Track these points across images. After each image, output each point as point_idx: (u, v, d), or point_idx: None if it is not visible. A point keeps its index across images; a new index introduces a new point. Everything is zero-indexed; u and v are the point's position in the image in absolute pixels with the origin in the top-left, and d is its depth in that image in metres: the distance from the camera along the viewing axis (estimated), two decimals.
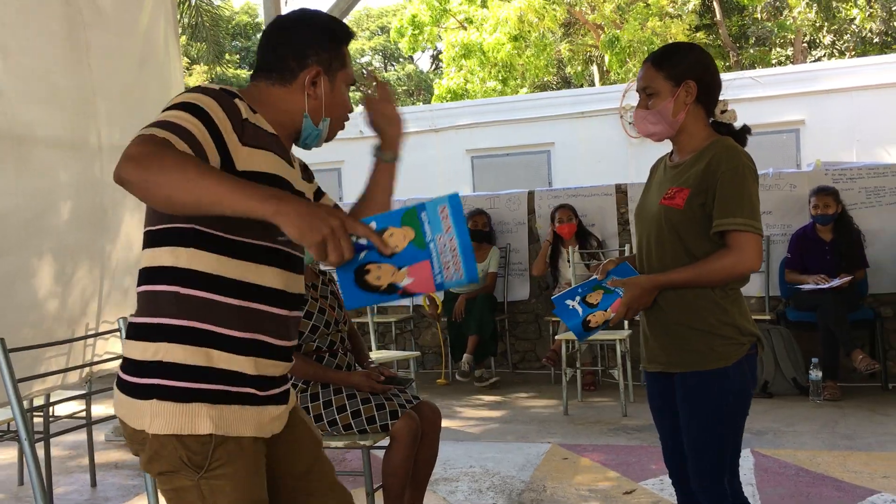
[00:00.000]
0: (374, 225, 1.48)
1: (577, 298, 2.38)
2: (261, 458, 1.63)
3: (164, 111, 1.53)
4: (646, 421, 4.96)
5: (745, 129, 2.25)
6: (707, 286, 2.14)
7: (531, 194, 6.97)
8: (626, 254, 5.88)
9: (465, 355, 6.20)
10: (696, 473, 2.20)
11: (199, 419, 1.52)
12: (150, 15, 4.57)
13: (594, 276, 2.40)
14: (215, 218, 1.47)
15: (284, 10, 4.60)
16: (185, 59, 25.62)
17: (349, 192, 11.70)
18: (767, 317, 5.93)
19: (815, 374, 5.32)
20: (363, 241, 1.47)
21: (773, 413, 5.04)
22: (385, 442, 3.00)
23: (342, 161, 11.71)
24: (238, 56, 30.13)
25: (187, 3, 10.92)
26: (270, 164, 1.61)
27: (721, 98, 2.25)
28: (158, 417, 1.51)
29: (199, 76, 26.26)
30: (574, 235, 6.27)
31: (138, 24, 4.45)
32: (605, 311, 2.33)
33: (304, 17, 1.75)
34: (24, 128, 3.41)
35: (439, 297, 6.57)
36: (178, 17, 11.01)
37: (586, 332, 2.38)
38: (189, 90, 1.58)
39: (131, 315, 1.64)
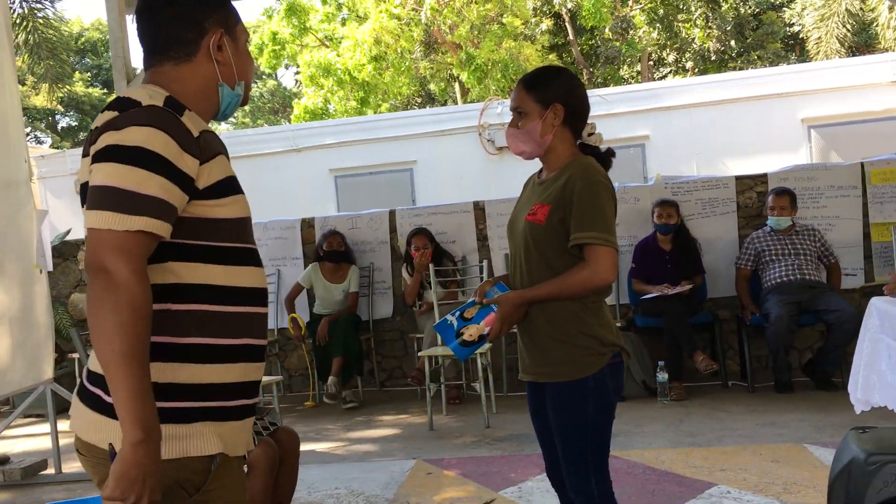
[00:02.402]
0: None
1: (457, 314, 2.44)
2: (244, 476, 1.60)
3: (121, 161, 1.42)
4: (507, 431, 5.12)
5: (609, 152, 2.38)
6: (568, 299, 2.22)
7: (392, 213, 7.06)
8: (485, 269, 6.06)
9: (330, 377, 6.19)
10: (566, 475, 2.30)
11: (206, 439, 1.48)
12: None
13: (472, 299, 2.46)
14: (193, 228, 1.47)
15: (131, 26, 4.48)
16: (31, 77, 24.32)
17: (422, 192, 11.20)
18: (619, 324, 6.25)
19: (662, 376, 5.65)
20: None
21: (625, 416, 5.32)
22: None
23: (414, 161, 11.32)
24: (89, 74, 28.88)
25: (24, 24, 10.41)
26: (223, 167, 1.57)
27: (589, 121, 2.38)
28: (162, 442, 1.44)
29: (45, 95, 24.98)
30: (431, 259, 6.35)
31: None
32: (479, 324, 2.39)
33: None
34: None
35: (303, 318, 6.54)
36: (22, 35, 10.49)
37: (464, 349, 2.43)
38: (142, 120, 1.46)
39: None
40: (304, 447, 5.06)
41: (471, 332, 2.40)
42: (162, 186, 1.43)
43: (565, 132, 2.31)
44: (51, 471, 4.97)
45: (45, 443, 5.63)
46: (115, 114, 1.50)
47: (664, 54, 20.28)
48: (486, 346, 5.52)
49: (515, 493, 3.88)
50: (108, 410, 1.47)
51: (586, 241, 2.17)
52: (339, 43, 17.53)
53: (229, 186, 1.57)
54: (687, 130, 10.85)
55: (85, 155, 1.55)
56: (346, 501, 4.00)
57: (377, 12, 16.39)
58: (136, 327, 1.38)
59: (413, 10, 16.39)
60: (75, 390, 1.59)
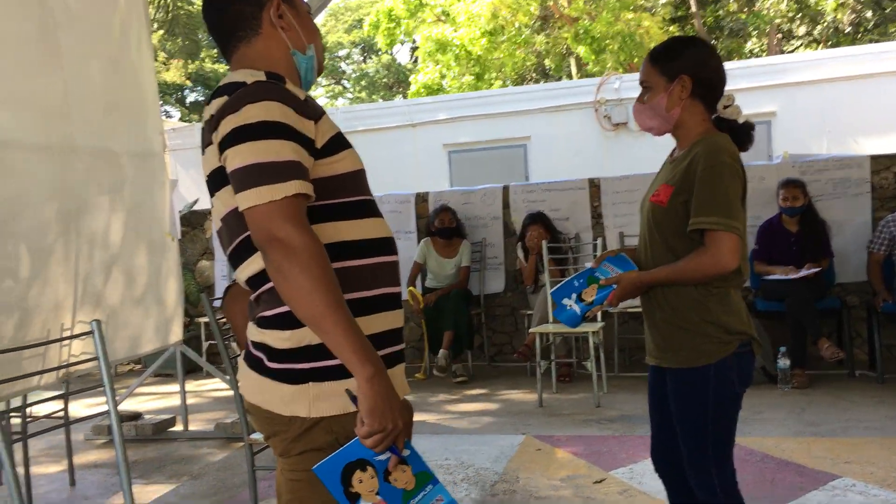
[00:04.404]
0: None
1: (574, 297, 2.38)
2: None
3: (251, 139, 1.47)
4: (618, 412, 5.06)
5: (748, 126, 2.22)
6: (687, 284, 2.14)
7: (506, 189, 7.05)
8: (598, 247, 5.97)
9: (440, 350, 6.27)
10: (687, 465, 2.23)
11: None
12: (122, 16, 4.59)
13: (588, 266, 2.42)
14: (316, 188, 1.50)
15: None
16: (162, 54, 25.52)
17: (536, 168, 11.24)
18: None
19: (784, 362, 5.44)
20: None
21: (743, 401, 5.14)
22: None
23: (528, 137, 11.35)
24: (215, 50, 30.01)
25: (160, 1, 10.88)
26: (330, 124, 1.60)
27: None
28: (321, 400, 1.49)
29: (175, 71, 26.17)
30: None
31: (111, 26, 4.47)
32: (602, 305, 2.35)
33: None
34: None
35: (419, 291, 6.64)
36: (153, 13, 10.99)
37: (576, 318, 2.39)
38: (255, 97, 1.50)
39: (258, 312, 1.57)
40: (415, 417, 5.18)
41: (593, 313, 2.38)
42: (294, 150, 1.48)
43: (696, 105, 2.18)
44: (178, 427, 5.26)
45: (174, 401, 5.96)
46: (226, 98, 1.54)
47: (793, 26, 19.29)
48: (598, 325, 5.45)
49: (626, 475, 3.84)
50: (270, 373, 1.53)
51: (706, 227, 2.07)
52: (455, 19, 17.52)
53: (339, 142, 1.60)
54: (817, 107, 10.31)
55: (206, 145, 1.59)
56: (455, 473, 4.06)
57: None
58: (329, 277, 1.43)
59: None
60: (241, 355, 1.65)
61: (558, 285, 2.43)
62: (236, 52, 1.67)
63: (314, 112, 1.56)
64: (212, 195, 1.62)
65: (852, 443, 4.16)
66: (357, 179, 1.61)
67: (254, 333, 1.59)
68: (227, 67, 1.72)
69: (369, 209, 1.63)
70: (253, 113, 1.47)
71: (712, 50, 2.27)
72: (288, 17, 1.67)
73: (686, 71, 2.16)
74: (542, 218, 6.49)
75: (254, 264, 1.55)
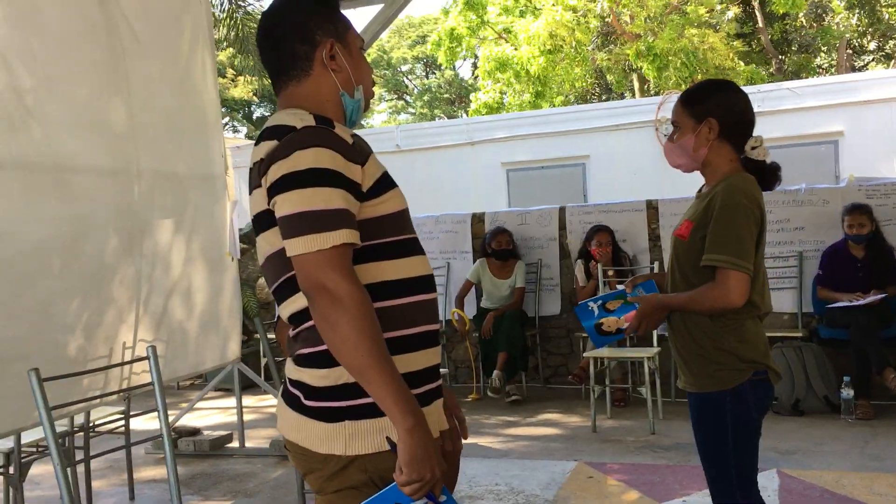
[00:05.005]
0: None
1: (599, 302, 2.54)
2: None
3: (301, 186, 1.49)
4: (673, 440, 4.97)
5: (774, 166, 2.33)
6: (699, 314, 2.26)
7: (562, 210, 7.02)
8: (656, 270, 5.89)
9: (495, 371, 6.26)
10: (711, 492, 2.32)
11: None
12: (188, 40, 4.73)
13: (622, 288, 2.55)
14: (362, 230, 1.53)
15: None
16: (231, 70, 26.14)
17: (594, 188, 11.20)
18: (800, 333, 5.89)
19: (847, 392, 5.27)
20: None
21: (803, 432, 5.02)
22: None
23: (587, 156, 11.37)
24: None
25: (229, 19, 11.10)
26: (377, 165, 1.62)
27: (756, 131, 2.34)
28: (357, 438, 1.52)
29: (243, 87, 26.81)
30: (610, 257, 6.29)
31: (177, 50, 4.61)
32: (619, 318, 2.49)
33: (284, 1, 1.71)
34: (66, 157, 3.57)
35: (467, 315, 6.64)
36: (223, 31, 11.24)
37: (600, 337, 2.54)
38: (305, 143, 1.52)
39: (296, 349, 1.61)
40: (467, 441, 5.17)
41: (609, 324, 2.52)
42: (343, 198, 1.51)
43: (723, 146, 2.30)
44: (235, 444, 5.36)
45: (232, 417, 6.08)
46: (275, 142, 1.55)
47: (865, 41, 18.80)
48: (654, 350, 5.37)
49: None
50: (307, 411, 1.57)
51: (716, 264, 2.19)
52: (517, 36, 17.56)
53: (386, 182, 1.62)
54: (887, 126, 10.00)
55: (254, 187, 1.61)
56: (506, 499, 4.04)
57: (550, 6, 16.26)
58: (374, 329, 1.47)
59: (590, 0, 16.14)
60: (280, 392, 1.68)
61: (582, 303, 2.60)
62: (286, 88, 1.70)
63: (361, 155, 1.59)
64: (257, 234, 1.66)
65: None
66: (401, 219, 1.64)
67: (291, 371, 1.63)
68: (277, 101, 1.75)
69: (412, 247, 1.65)
70: (303, 160, 1.50)
71: (741, 94, 2.36)
72: (339, 59, 1.68)
73: (713, 114, 2.28)
74: (608, 229, 6.43)
75: (296, 303, 1.59)
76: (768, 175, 2.32)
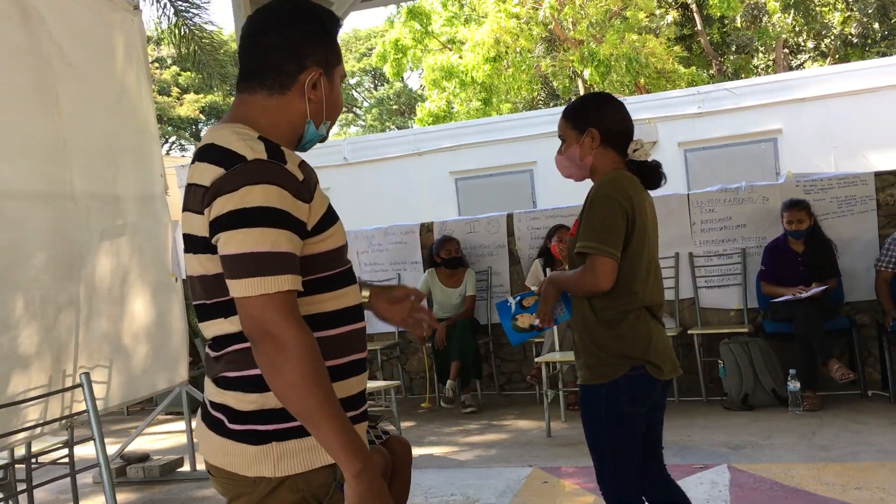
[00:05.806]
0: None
1: (517, 299, 2.63)
2: None
3: (248, 225, 1.43)
4: None
5: (654, 165, 2.50)
6: (577, 294, 2.44)
7: (510, 217, 7.05)
8: None
9: (448, 381, 6.25)
10: (596, 476, 2.49)
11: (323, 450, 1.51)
12: (122, 59, 4.65)
13: (533, 289, 2.65)
14: (302, 266, 1.50)
15: None
16: (176, 89, 25.74)
17: (543, 193, 11.26)
18: (746, 329, 5.99)
19: (794, 384, 5.37)
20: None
21: (753, 426, 5.10)
22: None
23: (534, 162, 11.41)
24: (227, 85, 30.10)
25: (179, 34, 10.79)
26: (322, 199, 1.58)
27: (637, 135, 2.52)
28: (285, 459, 1.50)
29: (189, 105, 26.40)
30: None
31: (111, 70, 4.52)
32: (532, 315, 2.58)
33: (292, 11, 1.62)
34: None
35: None
36: (177, 48, 10.97)
37: (516, 333, 2.62)
38: (254, 178, 1.45)
39: (218, 371, 1.57)
40: (421, 450, 5.15)
41: (522, 320, 2.60)
42: (289, 240, 1.46)
43: (607, 152, 2.46)
44: (186, 468, 5.25)
45: (182, 439, 5.96)
46: (221, 171, 1.48)
47: (801, 40, 19.27)
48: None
49: None
50: (232, 435, 1.54)
51: (584, 251, 2.35)
52: (462, 45, 17.64)
53: (329, 218, 1.59)
54: (823, 123, 10.24)
55: (191, 209, 1.54)
56: None
57: (495, 13, 16.38)
58: (321, 374, 1.45)
59: (532, 8, 16.28)
60: (198, 415, 1.65)
61: (502, 299, 2.72)
62: (252, 93, 1.61)
63: (309, 191, 1.53)
64: (186, 252, 1.60)
65: (863, 467, 4.09)
66: (340, 253, 1.63)
67: (213, 394, 1.59)
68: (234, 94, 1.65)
69: (348, 279, 1.65)
70: (251, 197, 1.44)
71: (617, 104, 2.52)
72: (320, 91, 1.62)
73: (593, 124, 2.44)
74: (567, 228, 6.48)
75: (220, 326, 1.56)
76: (652, 173, 2.48)
